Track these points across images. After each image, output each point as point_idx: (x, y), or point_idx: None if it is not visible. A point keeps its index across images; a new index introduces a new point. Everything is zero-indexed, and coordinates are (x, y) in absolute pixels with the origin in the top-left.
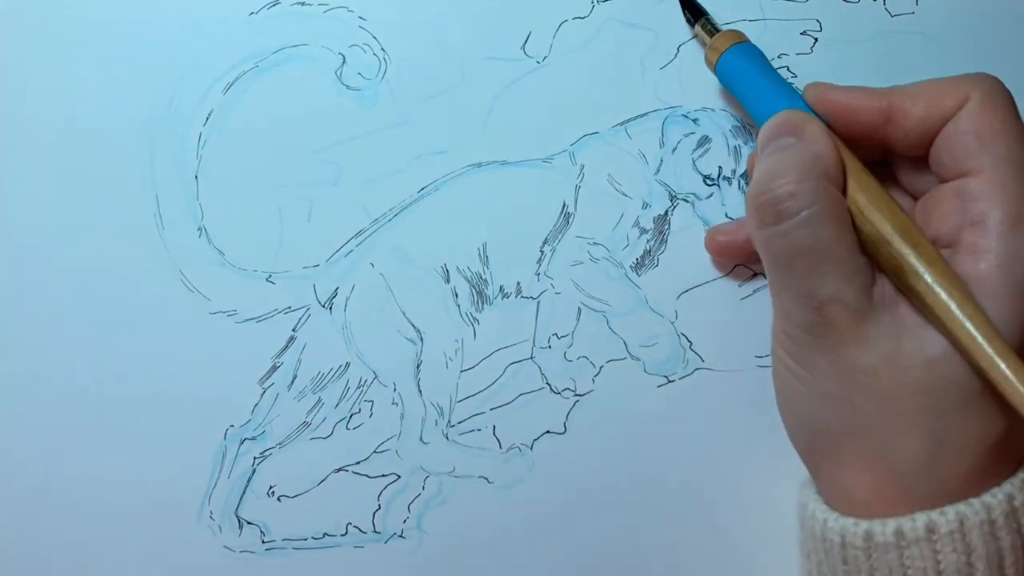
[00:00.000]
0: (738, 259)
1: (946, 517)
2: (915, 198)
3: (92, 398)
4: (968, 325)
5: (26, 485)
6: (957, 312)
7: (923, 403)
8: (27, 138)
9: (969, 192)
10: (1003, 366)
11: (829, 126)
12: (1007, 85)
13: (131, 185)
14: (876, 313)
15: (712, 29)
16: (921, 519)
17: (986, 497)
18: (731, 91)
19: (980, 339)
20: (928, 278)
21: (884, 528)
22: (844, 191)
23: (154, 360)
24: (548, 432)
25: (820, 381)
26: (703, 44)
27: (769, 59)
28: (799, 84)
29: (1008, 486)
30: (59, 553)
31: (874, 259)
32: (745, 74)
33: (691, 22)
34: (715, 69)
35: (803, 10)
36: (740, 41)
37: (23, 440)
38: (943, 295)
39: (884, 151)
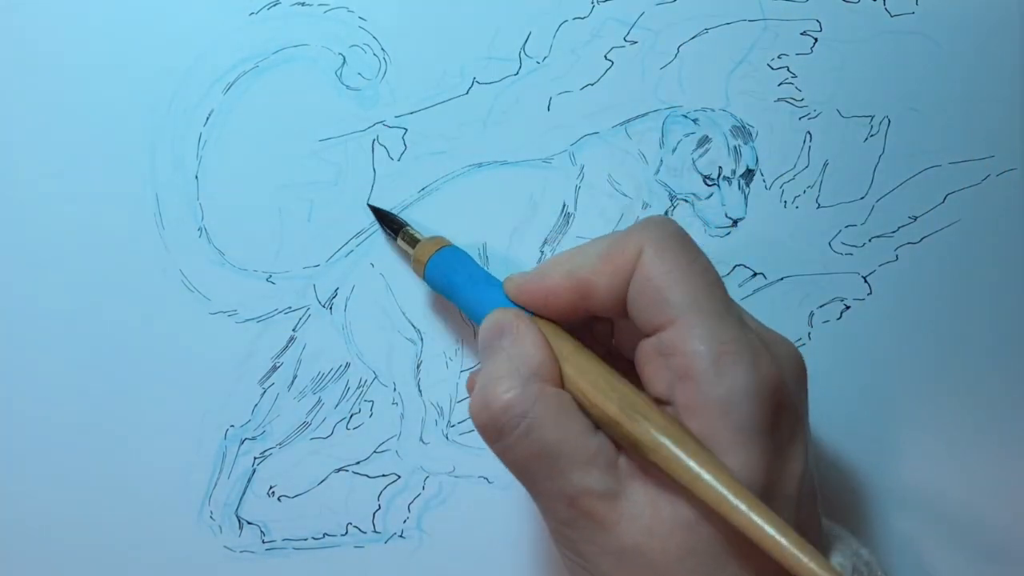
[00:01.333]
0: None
1: None
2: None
3: (92, 397)
4: (715, 488)
5: (27, 484)
6: (703, 478)
7: (692, 567)
8: (28, 138)
9: (667, 346)
10: (761, 524)
11: (539, 314)
12: (1005, 85)
13: (131, 185)
14: (626, 489)
15: (412, 239)
16: None
17: None
18: (445, 296)
19: (732, 500)
20: (665, 451)
21: None
22: (560, 380)
23: (154, 360)
24: None
25: (595, 567)
26: (407, 256)
27: (777, 69)
28: (799, 85)
29: None
30: (60, 552)
31: (611, 438)
32: (451, 279)
33: (392, 236)
34: (424, 278)
35: (803, 10)
36: (442, 247)
37: (24, 439)
38: (684, 462)
39: (590, 315)
